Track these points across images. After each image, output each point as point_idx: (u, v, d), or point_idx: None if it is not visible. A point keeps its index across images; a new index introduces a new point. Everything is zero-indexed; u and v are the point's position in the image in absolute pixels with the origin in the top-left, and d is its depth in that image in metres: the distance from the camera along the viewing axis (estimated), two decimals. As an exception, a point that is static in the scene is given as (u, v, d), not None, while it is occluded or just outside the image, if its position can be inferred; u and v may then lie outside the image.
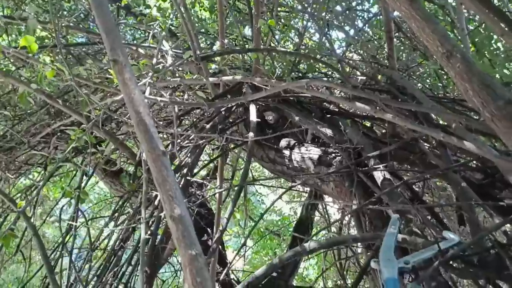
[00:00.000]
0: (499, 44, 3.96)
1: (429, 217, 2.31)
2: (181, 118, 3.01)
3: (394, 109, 2.56)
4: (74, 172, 4.77)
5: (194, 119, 3.17)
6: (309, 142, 3.33)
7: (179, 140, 2.52)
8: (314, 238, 4.85)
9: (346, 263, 4.96)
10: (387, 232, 1.85)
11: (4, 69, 3.82)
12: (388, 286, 1.59)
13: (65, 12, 4.90)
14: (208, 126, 2.78)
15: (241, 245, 2.96)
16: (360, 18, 5.43)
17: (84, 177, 3.37)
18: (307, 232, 4.76)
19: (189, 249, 1.22)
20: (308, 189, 5.75)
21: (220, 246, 3.80)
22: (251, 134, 2.66)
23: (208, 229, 3.69)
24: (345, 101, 2.39)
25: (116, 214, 3.29)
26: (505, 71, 3.51)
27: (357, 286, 2.10)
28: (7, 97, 4.50)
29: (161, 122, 3.61)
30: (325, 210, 5.37)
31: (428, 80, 4.57)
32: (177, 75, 3.65)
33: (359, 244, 4.37)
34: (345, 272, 3.93)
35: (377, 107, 2.22)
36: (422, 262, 1.76)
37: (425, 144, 2.79)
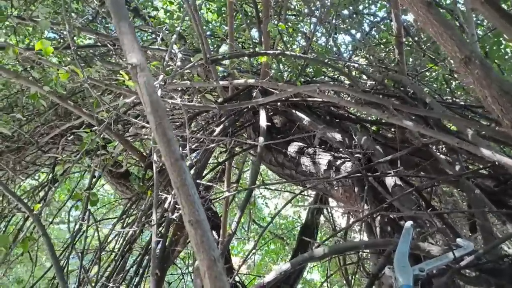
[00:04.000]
0: (508, 50, 3.95)
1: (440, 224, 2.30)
2: (191, 120, 3.01)
3: (405, 114, 2.55)
4: (81, 174, 4.77)
5: (204, 122, 3.16)
6: (317, 146, 3.32)
7: (190, 143, 2.51)
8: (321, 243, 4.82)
9: (352, 269, 4.94)
10: (401, 239, 1.84)
11: (12, 70, 3.83)
12: (403, 292, 1.59)
13: (73, 14, 4.91)
14: (218, 129, 2.78)
15: (249, 251, 2.95)
16: (367, 22, 5.43)
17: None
18: (313, 237, 4.75)
19: (208, 254, 1.22)
20: (313, 193, 5.75)
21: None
22: (261, 139, 2.66)
23: (214, 232, 3.69)
24: (357, 105, 2.38)
25: (124, 216, 3.28)
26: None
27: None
28: (14, 97, 4.51)
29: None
30: (330, 214, 5.35)
31: (435, 85, 4.56)
32: (185, 78, 3.66)
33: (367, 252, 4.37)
34: (352, 277, 3.90)
35: (389, 112, 2.22)
36: (436, 270, 1.76)
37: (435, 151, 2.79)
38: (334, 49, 5.10)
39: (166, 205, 2.52)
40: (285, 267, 1.93)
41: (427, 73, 4.54)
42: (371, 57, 4.57)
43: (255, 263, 7.47)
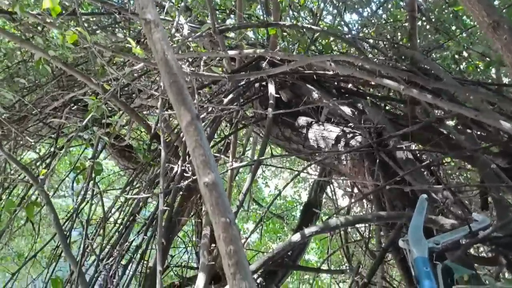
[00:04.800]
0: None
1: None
2: (198, 92, 2.94)
3: (420, 89, 2.49)
4: (83, 145, 4.72)
5: (210, 95, 3.10)
6: (325, 122, 3.27)
7: (198, 113, 2.46)
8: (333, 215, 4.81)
9: (353, 248, 4.94)
10: (415, 212, 1.81)
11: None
12: (419, 265, 1.56)
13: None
14: (226, 100, 2.72)
15: (252, 230, 2.93)
16: (375, 1, 5.31)
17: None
18: (315, 214, 4.73)
19: (223, 217, 1.17)
20: (316, 173, 5.71)
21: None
22: (270, 109, 2.60)
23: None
24: (371, 77, 2.32)
25: (128, 188, 3.25)
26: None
27: (379, 266, 2.06)
28: (16, 67, 4.43)
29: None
30: (333, 193, 5.32)
31: (445, 65, 4.47)
32: (191, 49, 3.58)
33: (366, 230, 4.35)
34: (364, 254, 3.90)
35: (405, 84, 2.15)
36: (450, 244, 1.73)
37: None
38: (342, 26, 5.00)
39: (172, 175, 2.48)
40: (295, 238, 1.90)
41: (437, 54, 4.45)
42: (379, 35, 4.48)
43: (261, 237, 7.50)
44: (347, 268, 3.84)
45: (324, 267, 5.71)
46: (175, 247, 3.99)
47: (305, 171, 5.51)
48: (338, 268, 6.10)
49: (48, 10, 2.20)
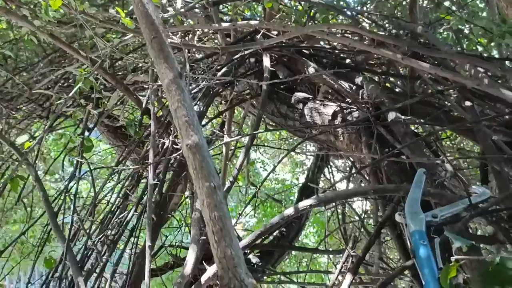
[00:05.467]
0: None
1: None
2: (191, 65, 2.85)
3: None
4: (77, 126, 4.64)
5: (205, 66, 3.00)
6: (321, 98, 3.19)
7: (190, 86, 2.37)
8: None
9: (351, 227, 4.89)
10: (413, 185, 1.75)
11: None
12: (415, 239, 1.50)
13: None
14: (219, 73, 2.63)
15: (242, 209, 2.86)
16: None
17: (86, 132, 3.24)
18: (312, 194, 4.68)
19: (207, 181, 1.10)
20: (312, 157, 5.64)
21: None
22: (264, 82, 2.52)
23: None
24: (369, 47, 2.23)
25: (120, 166, 3.17)
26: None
27: (374, 242, 2.00)
28: (8, 46, 4.33)
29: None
30: (331, 174, 5.26)
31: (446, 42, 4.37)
32: (185, 24, 3.48)
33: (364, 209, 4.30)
34: (359, 233, 3.85)
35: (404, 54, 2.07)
36: (449, 217, 1.66)
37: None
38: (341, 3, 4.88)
39: (163, 150, 2.40)
40: (289, 212, 1.83)
41: (438, 32, 4.34)
42: (380, 12, 4.37)
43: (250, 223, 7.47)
44: (355, 239, 3.78)
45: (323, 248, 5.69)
46: (170, 227, 3.94)
47: (300, 148, 5.42)
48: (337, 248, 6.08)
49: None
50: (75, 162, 2.75)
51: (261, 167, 9.91)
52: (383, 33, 2.84)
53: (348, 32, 2.98)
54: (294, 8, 3.37)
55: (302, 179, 9.51)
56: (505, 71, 1.99)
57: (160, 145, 2.58)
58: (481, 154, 2.20)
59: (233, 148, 3.93)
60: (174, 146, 2.17)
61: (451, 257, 1.24)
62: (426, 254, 1.43)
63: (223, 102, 4.06)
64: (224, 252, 1.02)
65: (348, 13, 3.10)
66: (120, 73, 4.09)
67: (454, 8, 4.02)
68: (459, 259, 1.20)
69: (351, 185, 5.10)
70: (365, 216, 4.56)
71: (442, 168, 2.01)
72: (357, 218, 4.59)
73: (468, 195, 1.62)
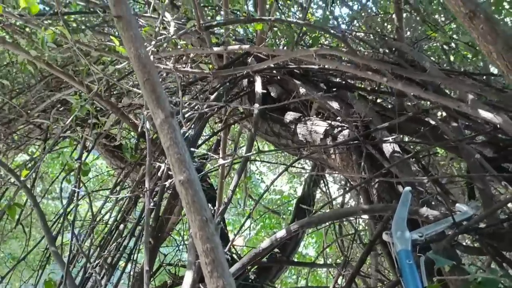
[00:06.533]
0: (507, 19, 3.84)
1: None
2: (184, 89, 2.93)
3: (404, 81, 2.48)
4: (74, 146, 4.71)
5: (198, 91, 3.08)
6: (314, 116, 3.26)
7: (183, 110, 2.44)
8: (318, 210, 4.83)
9: (349, 242, 4.95)
10: (399, 204, 1.81)
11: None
12: (402, 258, 1.56)
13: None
14: (212, 96, 2.70)
15: (244, 219, 2.91)
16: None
17: (84, 153, 3.31)
18: (309, 209, 4.74)
19: (199, 215, 1.17)
20: (309, 168, 5.71)
21: (222, 222, 3.77)
22: (256, 105, 2.59)
23: (210, 204, 3.64)
24: (355, 70, 2.31)
25: (118, 188, 3.23)
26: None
27: (366, 259, 2.06)
28: (5, 70, 4.40)
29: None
30: (327, 187, 5.32)
31: (434, 56, 4.47)
32: (179, 47, 3.56)
33: (363, 219, 4.35)
34: (349, 249, 3.90)
35: (388, 77, 2.15)
36: (435, 235, 1.72)
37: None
38: (331, 20, 4.99)
39: (159, 174, 2.46)
40: (281, 234, 1.89)
41: (425, 44, 4.45)
42: (369, 28, 4.47)
43: (249, 234, 7.50)
44: (345, 259, 3.84)
45: (321, 261, 5.73)
46: (168, 246, 3.99)
47: (296, 165, 5.49)
48: (335, 262, 6.12)
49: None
50: (73, 182, 2.81)
51: (258, 178, 9.96)
52: (368, 55, 2.93)
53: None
54: (285, 28, 3.45)
55: (299, 190, 9.56)
56: (484, 91, 2.07)
57: (156, 167, 2.65)
58: (467, 171, 2.27)
59: (229, 165, 3.98)
60: (170, 171, 2.23)
61: (433, 278, 1.31)
62: (411, 273, 1.49)
63: (218, 119, 4.13)
64: (217, 283, 1.08)
65: (337, 33, 3.18)
66: (116, 92, 4.18)
67: (441, 21, 4.13)
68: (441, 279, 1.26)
69: (347, 196, 5.20)
70: (361, 230, 4.62)
71: (429, 185, 2.08)
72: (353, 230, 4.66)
73: (451, 213, 1.69)
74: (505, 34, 1.36)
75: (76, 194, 2.58)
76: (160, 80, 3.92)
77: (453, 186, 3.49)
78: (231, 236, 4.39)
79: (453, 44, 4.06)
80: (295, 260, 6.06)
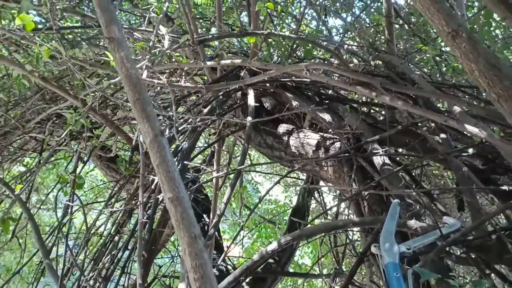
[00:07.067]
0: (497, 31, 3.92)
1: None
2: (179, 102, 2.96)
3: (394, 94, 2.53)
4: (69, 158, 4.73)
5: (191, 104, 3.12)
6: (307, 128, 3.30)
7: (177, 124, 2.48)
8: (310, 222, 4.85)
9: (343, 250, 4.96)
10: (388, 217, 1.83)
11: (-2, 53, 3.76)
12: (389, 271, 1.58)
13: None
14: (205, 110, 2.74)
15: (237, 232, 2.93)
16: (358, 6, 5.39)
17: (80, 164, 3.33)
18: (303, 219, 4.76)
19: (188, 231, 1.19)
20: (304, 176, 5.74)
21: (216, 233, 3.79)
22: (249, 118, 2.62)
23: (205, 216, 3.67)
24: (345, 84, 2.35)
25: (113, 200, 3.25)
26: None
27: (356, 271, 2.08)
28: (1, 82, 4.43)
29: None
30: (321, 197, 5.35)
31: (426, 67, 4.53)
32: (173, 60, 3.60)
33: (356, 231, 4.38)
34: (341, 260, 3.92)
35: (378, 91, 2.19)
36: (423, 247, 1.75)
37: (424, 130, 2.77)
38: (325, 32, 5.06)
39: (153, 187, 2.49)
40: (272, 247, 1.92)
41: (417, 56, 4.51)
42: (362, 40, 4.53)
43: (243, 246, 7.49)
44: (335, 272, 3.86)
45: (316, 271, 5.74)
46: (163, 257, 4.00)
47: (291, 176, 5.51)
48: (330, 271, 6.12)
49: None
50: (68, 194, 2.83)
51: (254, 188, 9.97)
52: (360, 67, 2.97)
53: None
54: (278, 42, 3.50)
55: (295, 199, 9.58)
56: (471, 106, 2.11)
57: (150, 180, 2.68)
58: (456, 183, 2.30)
59: (223, 176, 4.00)
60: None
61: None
62: (399, 286, 1.51)
63: (213, 130, 4.16)
64: (205, 299, 1.11)
65: (329, 46, 3.23)
66: (111, 103, 4.21)
67: (433, 32, 4.19)
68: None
69: (342, 205, 5.22)
70: (355, 240, 4.64)
71: (418, 198, 2.11)
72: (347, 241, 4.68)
73: (437, 226, 1.72)
74: (486, 53, 1.41)
75: (70, 208, 2.60)
76: (155, 93, 3.97)
77: (447, 197, 3.53)
78: (225, 244, 4.41)
79: (444, 56, 4.13)
80: (291, 269, 6.06)
